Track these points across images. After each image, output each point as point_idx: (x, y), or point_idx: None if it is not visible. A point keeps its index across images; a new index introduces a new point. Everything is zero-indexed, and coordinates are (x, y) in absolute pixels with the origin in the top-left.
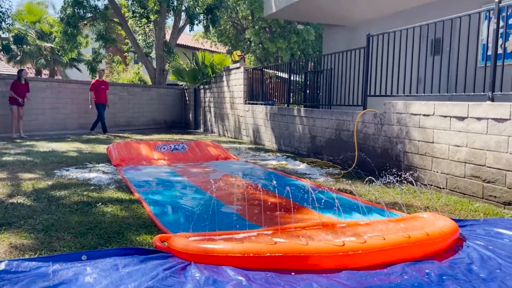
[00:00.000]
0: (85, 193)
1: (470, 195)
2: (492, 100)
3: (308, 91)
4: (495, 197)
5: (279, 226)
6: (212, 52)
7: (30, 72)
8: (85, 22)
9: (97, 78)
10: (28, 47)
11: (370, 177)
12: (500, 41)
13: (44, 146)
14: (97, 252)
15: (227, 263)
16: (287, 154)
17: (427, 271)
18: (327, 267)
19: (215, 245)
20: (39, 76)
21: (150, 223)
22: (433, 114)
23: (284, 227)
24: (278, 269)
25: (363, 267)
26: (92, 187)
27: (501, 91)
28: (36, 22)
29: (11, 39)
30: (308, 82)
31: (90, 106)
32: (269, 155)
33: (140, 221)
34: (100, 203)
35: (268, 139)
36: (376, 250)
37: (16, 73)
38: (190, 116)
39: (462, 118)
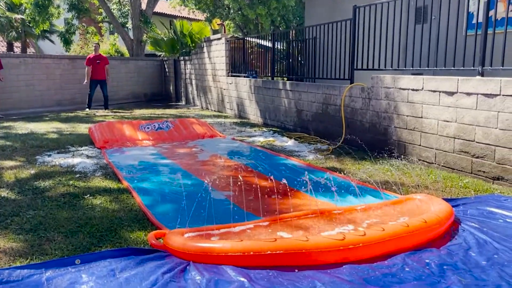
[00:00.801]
0: (70, 182)
1: (459, 170)
2: (482, 75)
3: (291, 60)
4: (484, 172)
5: (274, 216)
6: (190, 20)
7: (1, 45)
8: None
9: (94, 52)
10: None
11: (359, 154)
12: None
13: (22, 127)
14: (91, 255)
15: (227, 262)
16: (273, 129)
17: (427, 261)
18: (329, 261)
19: (214, 244)
20: (12, 52)
21: (142, 216)
22: (422, 88)
23: (280, 217)
24: (280, 266)
25: (364, 260)
26: (78, 175)
27: (491, 66)
28: None
29: None
30: (291, 50)
31: (85, 81)
32: (255, 131)
33: (132, 214)
34: (88, 195)
35: (253, 113)
36: (376, 242)
37: None
38: (171, 88)
39: (451, 93)
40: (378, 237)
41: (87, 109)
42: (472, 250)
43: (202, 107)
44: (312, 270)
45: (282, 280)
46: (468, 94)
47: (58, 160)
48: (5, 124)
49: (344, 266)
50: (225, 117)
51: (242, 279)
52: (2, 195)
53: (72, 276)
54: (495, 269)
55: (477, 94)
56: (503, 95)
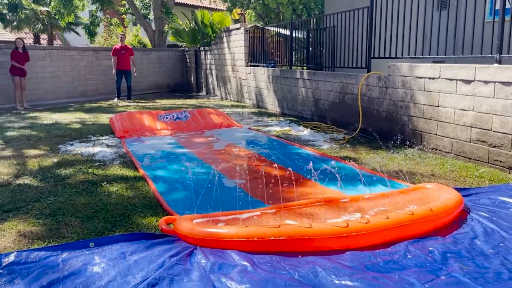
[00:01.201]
0: (90, 170)
1: (475, 160)
2: (500, 62)
3: (311, 48)
4: (501, 161)
5: (281, 204)
6: (211, 9)
7: (28, 37)
8: None
9: (120, 43)
10: (24, 11)
11: (375, 143)
12: None
13: (47, 117)
14: (105, 239)
15: (232, 247)
16: (290, 119)
17: (430, 248)
18: (331, 248)
19: (220, 230)
20: (38, 44)
21: (156, 203)
22: (439, 77)
23: (287, 204)
24: (283, 252)
25: (367, 247)
26: (97, 164)
27: (508, 53)
28: None
29: (5, 6)
30: (311, 40)
31: (113, 71)
32: (272, 120)
33: (146, 201)
34: (105, 182)
35: (271, 103)
36: (380, 230)
37: (14, 41)
38: (192, 79)
39: (468, 81)
40: (382, 224)
41: (116, 99)
42: (478, 238)
43: (221, 97)
44: (315, 256)
45: (285, 265)
46: (486, 82)
47: (80, 149)
48: (32, 114)
49: (346, 252)
50: (244, 107)
51: (246, 263)
52: (25, 182)
53: (85, 258)
54: (499, 257)
55: (495, 82)
56: None
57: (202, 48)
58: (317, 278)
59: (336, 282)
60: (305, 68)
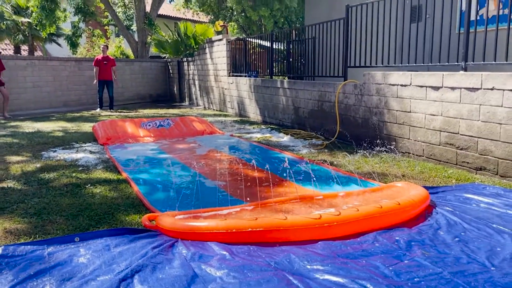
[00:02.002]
0: (73, 174)
1: (445, 162)
2: (465, 70)
3: (291, 59)
4: (468, 163)
5: (259, 201)
6: (194, 22)
7: (8, 48)
8: None
9: (102, 54)
10: (5, 22)
11: (351, 148)
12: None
13: (29, 126)
14: (89, 233)
15: (212, 239)
16: (271, 126)
17: (397, 238)
18: (305, 238)
19: (200, 223)
20: (19, 54)
21: (138, 203)
22: (410, 84)
23: (265, 202)
24: (260, 242)
25: (338, 237)
26: (80, 168)
27: (473, 61)
28: None
29: None
30: (291, 51)
31: (94, 81)
32: (253, 128)
33: (129, 201)
34: (89, 185)
35: (253, 111)
36: (350, 221)
37: None
38: (175, 89)
39: (437, 88)
40: (352, 216)
41: (99, 109)
42: (441, 229)
43: (204, 107)
44: (290, 246)
45: (261, 254)
46: (453, 88)
47: (63, 155)
48: (13, 123)
49: (319, 242)
50: (226, 115)
51: (224, 252)
52: (9, 186)
53: (71, 251)
54: (459, 245)
55: (461, 88)
56: (484, 89)
57: (185, 59)
58: (291, 264)
59: (308, 267)
60: (285, 78)
